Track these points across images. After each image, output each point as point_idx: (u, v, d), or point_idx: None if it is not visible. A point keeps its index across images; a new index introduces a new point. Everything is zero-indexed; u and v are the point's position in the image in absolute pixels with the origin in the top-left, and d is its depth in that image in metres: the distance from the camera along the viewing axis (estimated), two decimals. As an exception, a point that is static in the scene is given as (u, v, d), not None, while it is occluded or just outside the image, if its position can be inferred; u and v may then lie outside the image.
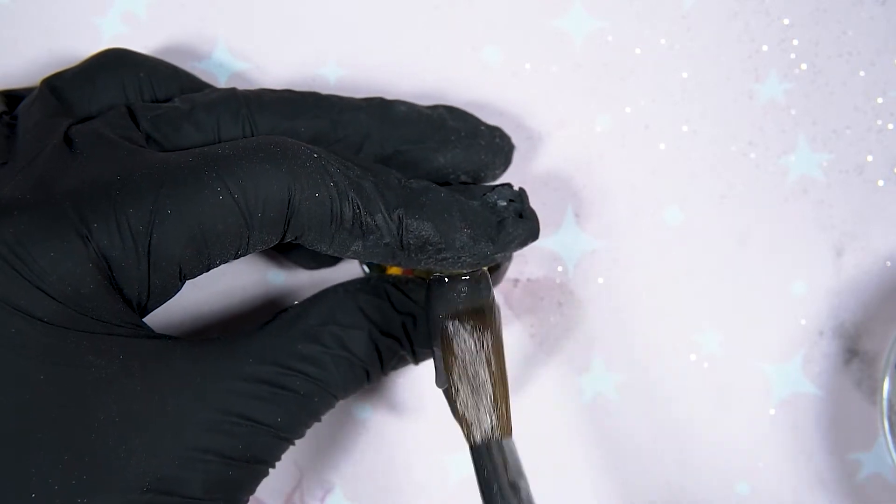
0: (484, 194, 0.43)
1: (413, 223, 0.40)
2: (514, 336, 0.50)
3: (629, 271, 0.49)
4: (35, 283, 0.36)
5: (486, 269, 0.40)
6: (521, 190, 0.44)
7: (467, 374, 0.41)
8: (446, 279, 0.39)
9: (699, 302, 0.49)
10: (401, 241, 0.40)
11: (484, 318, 0.41)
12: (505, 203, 0.43)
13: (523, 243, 0.43)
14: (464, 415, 0.41)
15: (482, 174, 0.46)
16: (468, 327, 0.41)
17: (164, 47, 0.49)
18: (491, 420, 0.41)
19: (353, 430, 0.50)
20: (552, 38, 0.49)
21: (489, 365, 0.41)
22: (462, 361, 0.41)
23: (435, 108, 0.46)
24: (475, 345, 0.41)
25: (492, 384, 0.41)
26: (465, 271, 0.40)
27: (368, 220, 0.40)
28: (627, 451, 0.49)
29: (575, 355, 0.50)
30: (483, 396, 0.41)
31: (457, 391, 0.41)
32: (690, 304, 0.49)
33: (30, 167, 0.39)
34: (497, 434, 0.41)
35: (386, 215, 0.40)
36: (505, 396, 0.41)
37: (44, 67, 0.49)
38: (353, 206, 0.39)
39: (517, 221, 0.42)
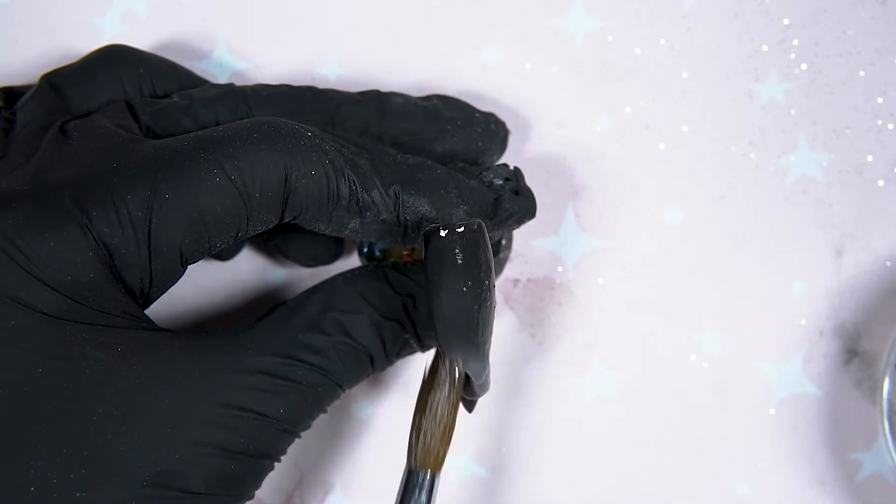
0: (480, 174, 0.43)
1: (409, 199, 0.40)
2: (514, 336, 0.50)
3: (629, 271, 0.49)
4: (35, 273, 0.36)
5: (481, 223, 0.39)
6: (517, 169, 0.44)
7: (435, 408, 0.41)
8: (443, 231, 0.39)
9: (699, 302, 0.49)
10: (398, 217, 0.40)
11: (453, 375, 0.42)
12: (501, 181, 0.43)
13: (520, 220, 0.43)
14: (420, 439, 0.41)
15: (479, 161, 0.46)
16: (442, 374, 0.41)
17: (164, 47, 0.49)
18: (438, 453, 0.41)
19: (353, 430, 0.50)
20: (552, 38, 0.49)
21: (454, 409, 0.41)
22: (436, 397, 0.41)
23: (429, 98, 0.46)
24: (447, 387, 0.41)
25: (447, 424, 0.41)
26: (461, 223, 0.39)
27: (365, 196, 0.40)
28: (627, 451, 0.49)
29: (575, 355, 0.49)
30: (439, 430, 0.41)
31: (422, 419, 0.41)
32: (690, 304, 0.49)
33: (27, 160, 0.39)
34: (436, 468, 0.41)
35: (382, 191, 0.40)
36: (450, 438, 0.42)
37: (44, 67, 0.49)
38: (350, 183, 0.39)
39: (514, 198, 0.43)
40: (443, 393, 0.41)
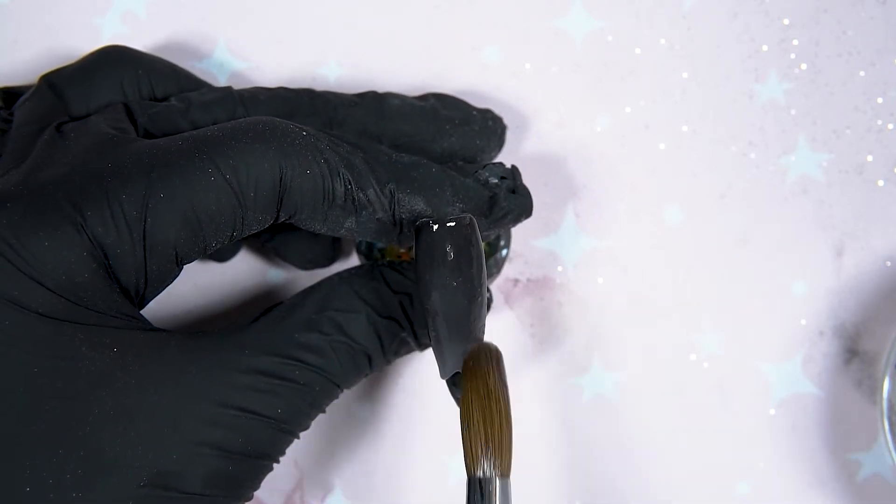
0: (476, 172, 0.43)
1: (405, 198, 0.40)
2: (514, 336, 0.50)
3: (629, 271, 0.49)
4: (29, 273, 0.36)
5: (472, 218, 0.39)
6: (514, 167, 0.44)
7: (484, 404, 0.40)
8: (434, 226, 0.38)
9: (699, 302, 0.49)
10: (393, 216, 0.40)
11: (494, 355, 0.41)
12: (497, 180, 0.43)
13: (516, 219, 0.43)
14: (473, 443, 0.40)
15: (478, 158, 0.46)
16: (487, 357, 0.40)
17: (164, 47, 0.49)
18: (496, 455, 0.40)
19: (353, 430, 0.50)
20: (552, 38, 0.49)
21: (500, 400, 0.40)
22: (482, 390, 0.40)
23: (426, 98, 0.46)
24: (494, 377, 0.40)
25: (501, 418, 0.40)
26: (452, 218, 0.39)
27: (360, 195, 0.40)
28: (627, 450, 0.49)
29: (575, 355, 0.49)
30: (494, 428, 0.40)
31: (472, 418, 0.40)
32: (690, 304, 0.49)
33: (23, 160, 0.39)
34: (499, 471, 0.40)
35: (378, 190, 0.40)
36: (510, 434, 0.40)
37: (44, 67, 0.49)
38: (345, 182, 0.39)
39: (510, 196, 0.42)
40: (493, 380, 0.40)
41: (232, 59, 0.50)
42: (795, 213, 0.49)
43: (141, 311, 0.39)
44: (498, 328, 0.49)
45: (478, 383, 0.40)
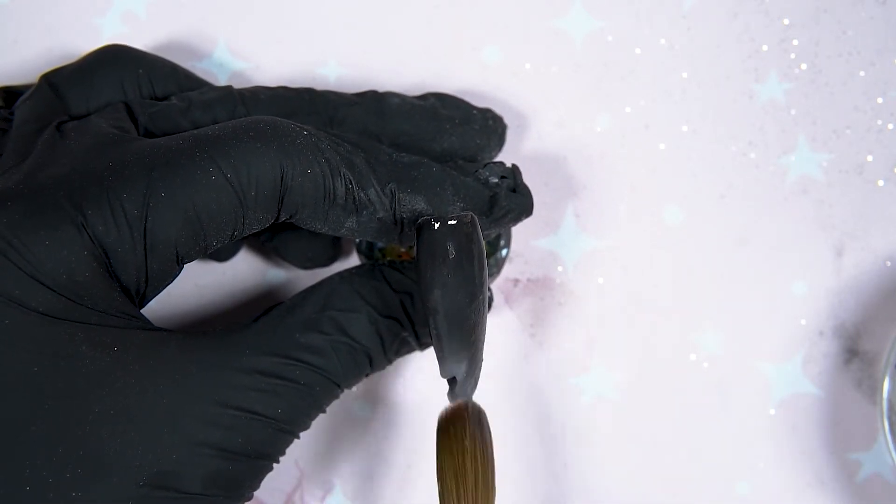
0: (476, 171, 0.43)
1: (405, 197, 0.40)
2: (514, 336, 0.50)
3: (629, 271, 0.49)
4: (30, 272, 0.36)
5: (473, 216, 0.38)
6: (514, 166, 0.44)
7: (458, 473, 0.40)
8: (435, 224, 0.38)
9: (699, 302, 0.49)
10: (394, 216, 0.40)
11: (472, 419, 0.41)
12: (497, 179, 0.43)
13: (517, 218, 0.43)
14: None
15: (478, 157, 0.46)
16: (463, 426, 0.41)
17: (165, 47, 0.49)
18: None
19: (353, 430, 0.50)
20: (552, 38, 0.49)
21: (477, 469, 0.40)
22: (454, 458, 0.40)
23: (426, 97, 0.46)
24: (470, 441, 0.41)
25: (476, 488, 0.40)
26: (454, 216, 0.38)
27: (361, 195, 0.40)
28: (627, 451, 0.49)
29: (575, 355, 0.49)
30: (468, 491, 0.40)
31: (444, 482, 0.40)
32: (690, 304, 0.49)
33: (23, 160, 0.39)
34: None
35: (378, 190, 0.40)
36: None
37: (44, 67, 0.49)
38: (346, 182, 0.39)
39: (510, 195, 0.42)
40: (478, 444, 0.40)
41: (232, 59, 0.50)
42: (795, 213, 0.49)
43: (141, 311, 0.39)
44: (498, 328, 0.49)
45: (451, 443, 0.41)
